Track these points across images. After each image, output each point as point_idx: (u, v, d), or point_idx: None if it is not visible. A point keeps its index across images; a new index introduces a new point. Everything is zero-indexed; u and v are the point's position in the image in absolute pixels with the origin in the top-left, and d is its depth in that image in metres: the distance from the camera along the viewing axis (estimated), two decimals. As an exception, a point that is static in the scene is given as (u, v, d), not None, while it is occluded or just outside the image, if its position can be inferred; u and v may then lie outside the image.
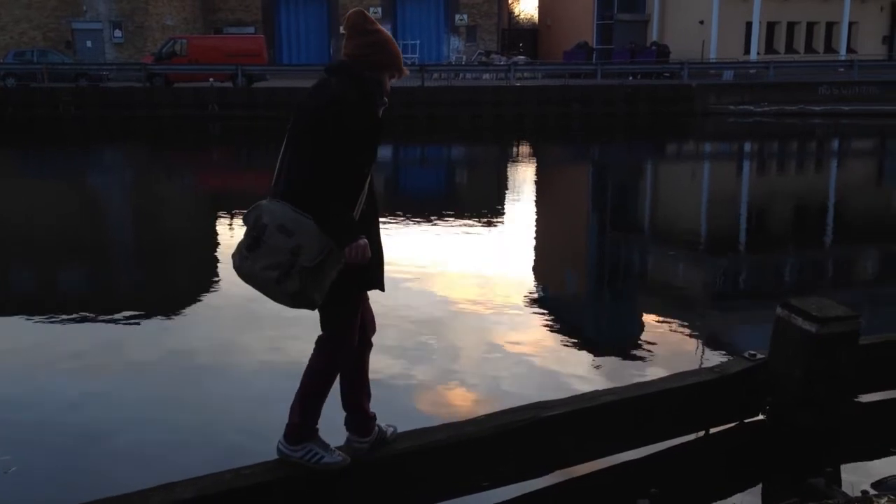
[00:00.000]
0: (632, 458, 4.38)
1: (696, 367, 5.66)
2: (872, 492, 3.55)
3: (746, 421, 4.75)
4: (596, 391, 4.27)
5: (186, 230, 12.41)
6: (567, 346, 6.64)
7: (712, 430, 4.66)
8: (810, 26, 43.04)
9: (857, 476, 4.26)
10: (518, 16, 64.38)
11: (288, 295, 3.12)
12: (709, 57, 38.19)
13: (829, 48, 42.71)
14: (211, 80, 30.84)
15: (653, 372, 5.78)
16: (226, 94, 30.08)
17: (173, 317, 7.49)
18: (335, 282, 3.19)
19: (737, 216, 13.10)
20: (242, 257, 3.19)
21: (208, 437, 4.90)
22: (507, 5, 55.58)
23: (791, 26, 42.70)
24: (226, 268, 9.41)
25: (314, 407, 3.43)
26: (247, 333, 6.71)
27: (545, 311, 7.55)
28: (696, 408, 4.49)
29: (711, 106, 30.05)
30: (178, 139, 26.61)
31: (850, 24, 41.41)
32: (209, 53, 32.80)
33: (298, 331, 6.61)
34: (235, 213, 12.37)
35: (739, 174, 18.98)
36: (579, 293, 8.89)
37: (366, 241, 3.20)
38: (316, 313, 3.40)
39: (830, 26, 42.71)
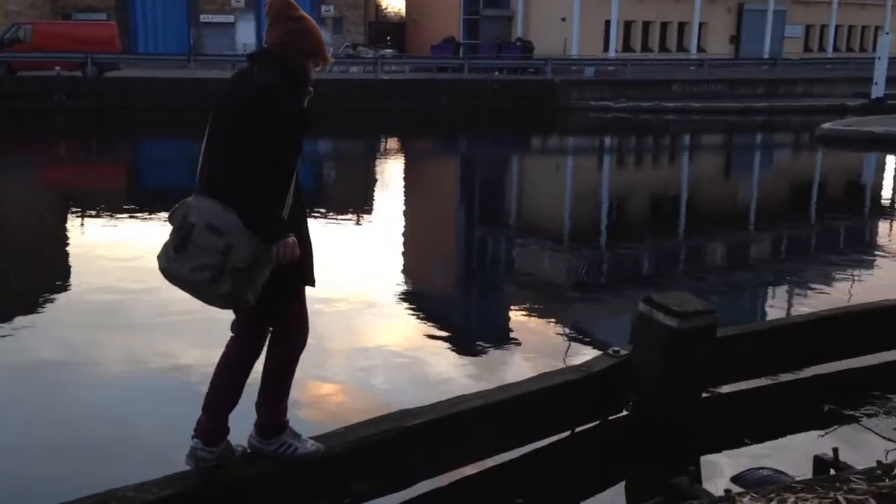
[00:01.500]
0: (498, 462, 4.29)
1: (562, 363, 5.67)
2: (737, 489, 3.56)
3: (611, 418, 4.75)
4: (462, 395, 4.14)
5: (26, 229, 11.52)
6: (436, 343, 6.51)
7: (578, 429, 4.63)
8: (664, 26, 44.94)
9: (718, 469, 4.33)
10: (385, 9, 64.11)
11: (221, 296, 3.00)
12: (571, 54, 39.17)
13: (681, 47, 44.70)
14: (57, 68, 28.97)
15: (519, 369, 5.73)
16: (74, 84, 28.37)
17: (13, 322, 6.86)
18: (275, 281, 3.10)
19: (599, 209, 13.41)
20: (169, 259, 3.03)
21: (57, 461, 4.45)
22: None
23: (646, 25, 44.43)
24: (76, 270, 8.82)
25: (279, 403, 3.38)
26: (99, 340, 6.24)
27: (412, 308, 7.41)
28: (563, 408, 4.45)
29: (573, 101, 30.80)
30: (19, 131, 24.88)
31: (701, 24, 43.45)
32: (56, 40, 30.71)
33: (151, 337, 6.28)
34: (82, 212, 11.58)
35: (600, 168, 19.53)
36: (447, 289, 8.81)
37: (294, 239, 3.07)
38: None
39: (682, 26, 44.71)
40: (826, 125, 21.87)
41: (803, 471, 4.07)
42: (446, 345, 6.49)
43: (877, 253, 10.07)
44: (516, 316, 7.55)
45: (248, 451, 3.46)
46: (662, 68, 37.08)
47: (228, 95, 3.11)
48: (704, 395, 4.83)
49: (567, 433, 4.59)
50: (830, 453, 3.93)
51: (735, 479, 4.08)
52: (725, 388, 5.13)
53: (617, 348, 4.77)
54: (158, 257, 3.09)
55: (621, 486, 4.47)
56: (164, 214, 3.72)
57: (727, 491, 3.49)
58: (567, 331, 6.83)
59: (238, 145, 2.98)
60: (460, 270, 9.61)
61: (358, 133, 26.51)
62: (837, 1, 47.76)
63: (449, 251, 10.60)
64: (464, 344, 6.52)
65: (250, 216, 2.97)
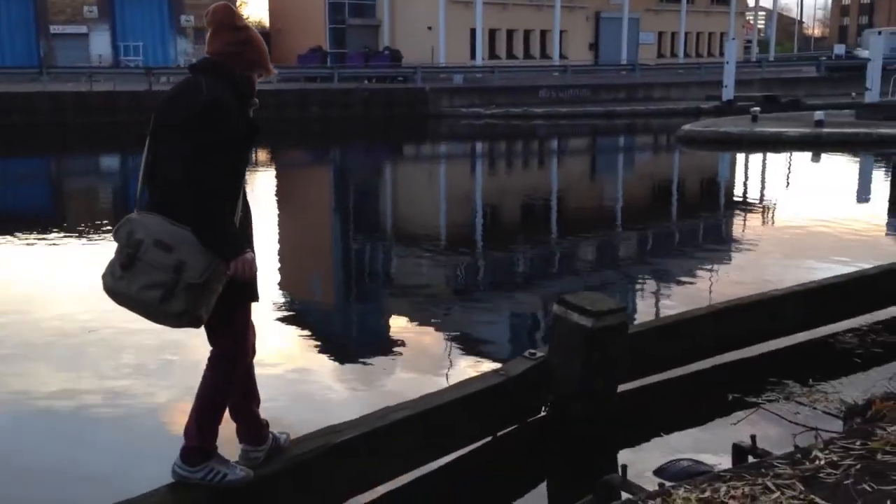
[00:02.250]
0: (422, 473, 4.22)
1: (447, 371, 5.68)
2: (663, 482, 3.63)
3: (530, 420, 4.77)
4: (388, 407, 4.04)
5: None
6: (318, 357, 6.37)
7: (500, 433, 4.62)
8: (527, 34, 46.17)
9: (638, 463, 4.40)
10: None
11: (173, 315, 2.88)
12: (438, 61, 39.57)
13: (545, 54, 46.00)
14: None
15: (404, 381, 5.68)
16: None
17: None
18: (220, 297, 2.99)
19: (473, 214, 13.52)
20: (116, 278, 2.90)
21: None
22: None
23: (510, 33, 45.51)
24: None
25: (212, 427, 3.21)
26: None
27: (290, 324, 7.12)
28: (486, 413, 4.42)
29: (444, 108, 31.11)
30: None
31: (561, 32, 44.87)
32: None
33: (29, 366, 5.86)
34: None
35: (473, 173, 19.80)
36: (326, 302, 8.58)
37: (252, 255, 3.02)
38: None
39: (544, 34, 46.06)
40: (686, 126, 22.96)
41: (720, 459, 4.22)
42: (329, 359, 6.34)
43: (739, 245, 10.59)
44: (396, 325, 7.42)
45: (284, 436, 3.51)
46: (529, 75, 38.01)
47: (173, 108, 2.99)
48: (619, 390, 4.92)
49: (489, 438, 4.57)
50: (743, 440, 4.08)
51: (657, 472, 4.17)
52: (637, 383, 5.24)
53: (533, 350, 4.79)
54: (103, 277, 2.95)
55: (544, 487, 4.50)
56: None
57: (661, 485, 3.56)
58: (450, 338, 6.73)
59: (189, 159, 2.87)
60: (338, 282, 9.41)
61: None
62: (686, 9, 50.31)
63: (325, 263, 10.36)
64: (346, 357, 6.37)
65: (207, 233, 2.88)
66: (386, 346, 6.66)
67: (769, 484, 3.35)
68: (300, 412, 4.98)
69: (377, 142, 26.65)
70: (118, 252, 2.92)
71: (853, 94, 34.17)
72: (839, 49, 54.41)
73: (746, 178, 18.17)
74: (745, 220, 12.64)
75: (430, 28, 41.17)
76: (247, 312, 3.25)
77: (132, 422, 5.00)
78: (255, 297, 3.23)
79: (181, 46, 43.31)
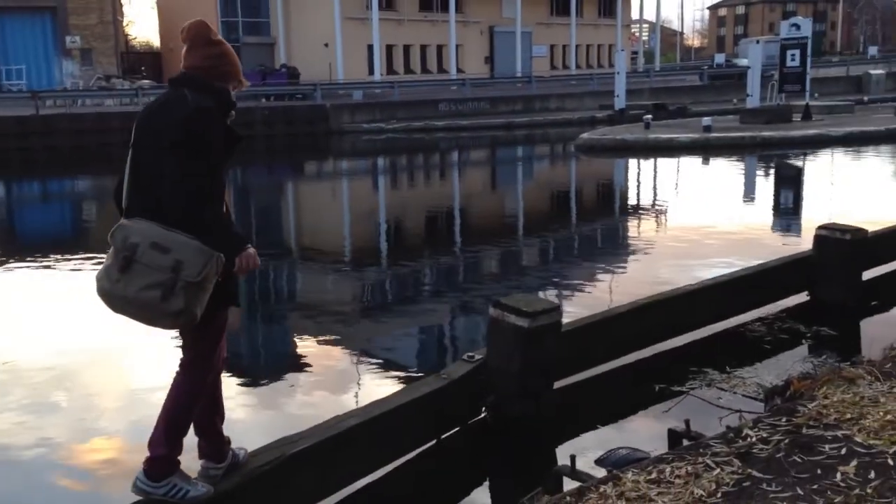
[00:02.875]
0: (369, 481, 4.27)
1: (357, 387, 5.75)
2: (617, 470, 3.79)
3: (471, 422, 4.89)
4: (339, 416, 4.10)
5: None
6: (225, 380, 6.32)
7: (444, 436, 4.72)
8: (423, 48, 46.62)
9: (579, 455, 4.56)
10: (133, 39, 61.14)
11: (172, 314, 2.99)
12: (337, 78, 39.49)
13: (442, 69, 46.53)
14: None
15: (310, 397, 5.70)
16: None
17: None
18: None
19: (378, 228, 13.56)
20: (113, 280, 3.00)
21: None
22: (122, 28, 52.50)
23: (407, 49, 45.87)
24: None
25: (179, 436, 3.24)
26: None
27: None
28: (431, 416, 4.52)
29: (346, 125, 31.07)
30: None
31: (457, 46, 45.47)
32: None
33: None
34: None
35: (376, 188, 19.90)
36: (231, 322, 8.38)
37: (254, 249, 3.17)
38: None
39: (441, 48, 46.59)
40: (584, 135, 23.67)
41: (656, 445, 4.42)
42: (235, 380, 6.26)
43: (637, 248, 11.04)
44: (303, 344, 7.33)
45: (242, 452, 3.54)
46: (428, 89, 38.37)
47: (160, 120, 3.14)
48: (556, 387, 5.10)
49: (433, 442, 4.67)
50: (678, 426, 4.32)
51: (598, 462, 4.33)
52: (571, 379, 5.43)
53: (471, 353, 4.92)
54: (98, 280, 3.05)
55: (487, 487, 4.62)
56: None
57: (609, 470, 3.74)
58: (357, 353, 6.75)
59: (184, 166, 3.02)
60: (243, 302, 9.22)
61: (120, 167, 25.06)
62: (576, 22, 51.79)
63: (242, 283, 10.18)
64: (250, 374, 6.32)
65: (210, 233, 3.03)
66: (291, 365, 6.62)
67: (709, 462, 3.57)
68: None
69: (279, 160, 26.40)
70: (114, 256, 3.01)
71: (734, 100, 35.90)
72: (720, 58, 56.99)
73: (639, 183, 18.90)
74: (639, 224, 13.15)
75: (326, 45, 41.06)
76: (225, 316, 3.33)
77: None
78: (236, 301, 3.34)
79: (67, 69, 41.75)
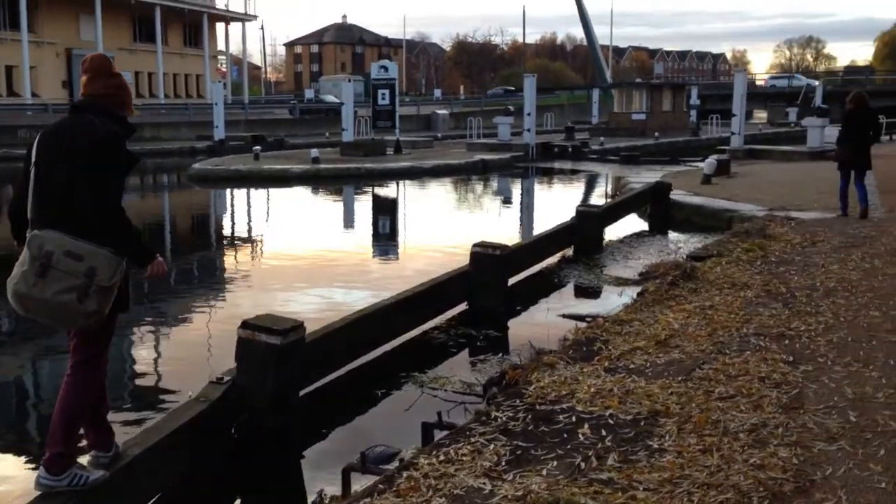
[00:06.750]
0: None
1: None
2: (409, 460, 4.18)
3: (223, 442, 4.94)
4: (125, 442, 3.97)
5: None
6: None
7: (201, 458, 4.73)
8: (-10, 68, 41.87)
9: (336, 458, 4.87)
10: None
11: (87, 314, 3.35)
12: None
13: (12, 92, 42.20)
14: None
15: None
16: None
17: None
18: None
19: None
20: (30, 284, 3.31)
21: None
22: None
23: (-31, 68, 40.80)
24: None
25: (75, 432, 3.57)
26: None
27: None
28: (192, 440, 4.52)
29: None
30: None
31: (31, 68, 41.63)
32: None
33: None
34: None
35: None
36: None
37: (162, 259, 3.64)
38: None
39: (11, 70, 42.26)
40: (196, 165, 23.40)
41: (408, 438, 4.91)
42: None
43: (242, 277, 11.42)
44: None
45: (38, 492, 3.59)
46: (4, 113, 34.62)
47: (70, 140, 3.45)
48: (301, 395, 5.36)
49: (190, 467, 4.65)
50: (428, 419, 4.89)
51: (362, 460, 4.71)
52: (314, 385, 5.74)
53: (220, 375, 4.98)
54: (15, 285, 3.34)
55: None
56: None
57: (400, 460, 4.15)
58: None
59: (100, 183, 3.41)
60: None
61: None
62: (162, 50, 50.48)
63: None
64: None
65: (125, 245, 3.47)
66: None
67: (481, 440, 4.20)
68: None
69: None
70: (31, 262, 3.32)
71: (327, 133, 38.06)
72: (309, 93, 59.56)
73: (237, 212, 19.08)
74: (251, 253, 13.25)
75: None
76: (115, 321, 3.67)
77: None
78: (127, 308, 3.70)
79: None
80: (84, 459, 3.76)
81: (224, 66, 64.38)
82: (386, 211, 18.65)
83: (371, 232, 15.52)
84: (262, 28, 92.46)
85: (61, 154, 3.43)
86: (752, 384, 4.80)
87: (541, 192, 23.05)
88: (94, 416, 3.72)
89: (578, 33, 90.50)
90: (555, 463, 3.88)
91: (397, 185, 22.28)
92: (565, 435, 4.24)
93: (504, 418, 4.49)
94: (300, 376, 5.20)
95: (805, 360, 5.22)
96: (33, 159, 3.50)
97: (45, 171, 3.45)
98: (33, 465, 4.87)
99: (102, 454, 3.78)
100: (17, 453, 5.30)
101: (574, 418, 4.45)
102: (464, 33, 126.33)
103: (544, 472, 3.77)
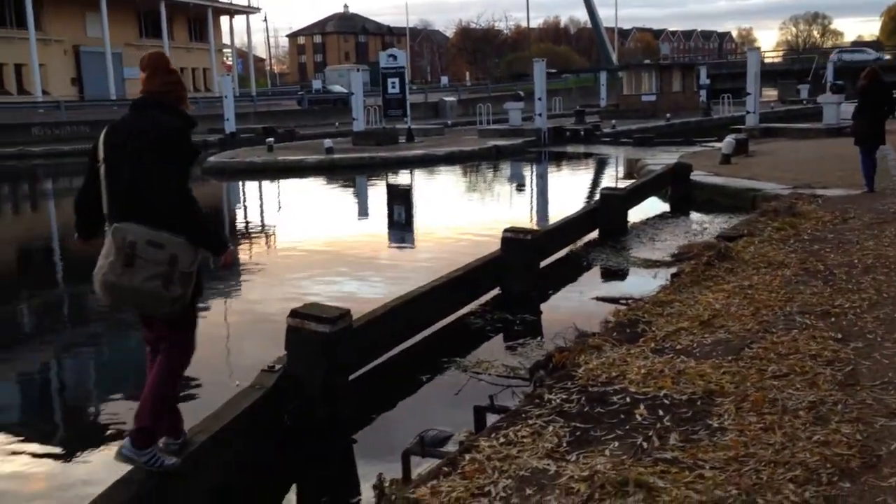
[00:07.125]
0: None
1: None
2: (469, 442, 4.17)
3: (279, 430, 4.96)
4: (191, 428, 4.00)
5: None
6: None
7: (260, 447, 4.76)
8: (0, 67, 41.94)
9: (393, 442, 4.88)
10: None
11: (171, 299, 3.54)
12: None
13: (23, 90, 42.26)
14: None
15: None
16: None
17: None
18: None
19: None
20: (119, 274, 3.48)
21: None
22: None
23: (-22, 67, 40.87)
24: None
25: (162, 411, 3.70)
26: None
27: None
28: (251, 428, 4.55)
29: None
30: None
31: (40, 65, 41.67)
32: None
33: None
34: None
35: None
36: None
37: (233, 247, 3.42)
38: None
39: (20, 68, 42.31)
40: (212, 158, 23.44)
41: (460, 422, 4.91)
42: None
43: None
44: None
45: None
46: (17, 112, 34.68)
47: (140, 136, 3.62)
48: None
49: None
50: (481, 403, 4.90)
51: (419, 445, 4.71)
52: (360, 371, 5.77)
53: (271, 364, 5.00)
54: (104, 275, 3.50)
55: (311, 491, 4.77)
56: None
57: (460, 443, 4.16)
58: None
59: (173, 175, 3.63)
60: None
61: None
62: (168, 45, 50.44)
63: None
64: None
65: (203, 234, 3.67)
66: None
67: (539, 422, 4.20)
68: None
69: None
70: (117, 253, 3.48)
71: (336, 123, 38.00)
72: (317, 84, 59.37)
73: (265, 203, 18.92)
74: (285, 243, 13.15)
75: None
76: (197, 304, 3.88)
77: None
78: (201, 292, 3.89)
79: None
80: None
81: (229, 59, 64.26)
82: (407, 199, 18.60)
83: (397, 220, 15.54)
84: (265, 20, 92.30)
85: (129, 150, 3.59)
86: (804, 362, 4.78)
87: (557, 176, 22.98)
88: (173, 405, 3.89)
89: (582, 16, 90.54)
90: (616, 443, 3.89)
91: (412, 173, 22.25)
92: (622, 416, 4.24)
93: (558, 400, 4.49)
94: (349, 363, 5.21)
95: (854, 337, 5.21)
96: (101, 156, 3.67)
97: (115, 167, 3.61)
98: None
99: (173, 441, 3.91)
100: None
101: (629, 399, 4.44)
102: (466, 19, 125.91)
103: (607, 453, 3.77)
